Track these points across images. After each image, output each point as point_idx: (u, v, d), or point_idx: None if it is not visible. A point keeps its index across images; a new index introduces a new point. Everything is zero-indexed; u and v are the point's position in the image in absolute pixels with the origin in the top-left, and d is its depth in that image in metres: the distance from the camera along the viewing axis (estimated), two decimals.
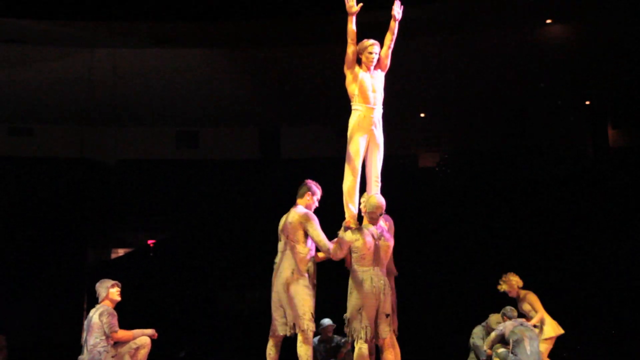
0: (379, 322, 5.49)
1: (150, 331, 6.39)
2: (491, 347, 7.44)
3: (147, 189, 15.35)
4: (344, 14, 5.68)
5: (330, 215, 5.80)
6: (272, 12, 12.09)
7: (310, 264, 5.66)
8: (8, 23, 11.94)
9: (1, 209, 14.04)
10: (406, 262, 6.62)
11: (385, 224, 5.75)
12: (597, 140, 16.25)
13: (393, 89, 6.23)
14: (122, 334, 6.25)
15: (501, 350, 7.31)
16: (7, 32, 12.33)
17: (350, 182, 5.70)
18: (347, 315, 5.56)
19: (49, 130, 15.76)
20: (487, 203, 14.03)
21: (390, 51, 5.80)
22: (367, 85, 5.72)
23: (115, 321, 6.24)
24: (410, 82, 13.31)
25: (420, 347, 9.40)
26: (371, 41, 5.76)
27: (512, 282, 7.71)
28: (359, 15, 5.65)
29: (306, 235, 5.66)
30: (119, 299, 6.42)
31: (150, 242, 15.46)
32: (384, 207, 5.65)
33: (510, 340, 7.19)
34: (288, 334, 5.61)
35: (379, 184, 5.81)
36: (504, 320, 7.46)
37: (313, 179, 5.95)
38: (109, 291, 6.37)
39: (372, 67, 5.78)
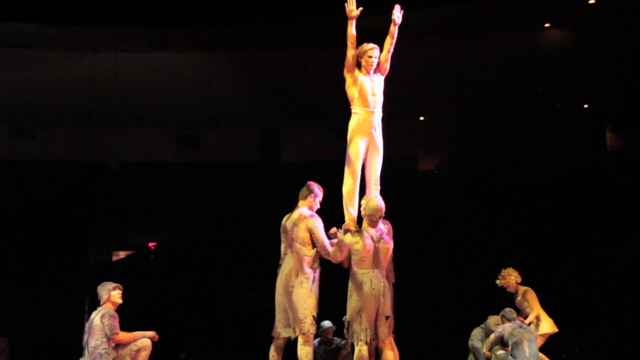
0: (379, 324, 5.52)
1: (151, 333, 6.42)
2: (490, 349, 7.44)
3: (148, 191, 15.32)
4: (344, 18, 5.71)
5: (330, 217, 5.83)
6: (272, 15, 12.15)
7: (315, 265, 5.69)
8: (10, 27, 12.01)
9: (2, 210, 14.02)
10: (405, 264, 6.64)
11: (384, 226, 5.79)
12: (596, 143, 16.28)
13: (392, 92, 6.26)
14: (123, 336, 6.28)
15: (500, 352, 7.31)
16: (9, 35, 12.40)
17: (350, 185, 5.74)
18: (347, 317, 5.58)
19: (50, 132, 15.78)
20: (486, 206, 14.03)
21: (389, 55, 5.83)
22: (367, 89, 5.75)
23: (116, 323, 6.27)
24: (410, 86, 13.34)
25: (420, 349, 9.40)
26: (371, 45, 5.79)
27: (510, 277, 7.72)
28: (359, 19, 5.70)
29: (312, 237, 5.67)
30: (120, 301, 6.45)
31: (150, 244, 15.45)
32: (384, 210, 5.68)
33: (509, 342, 7.18)
34: (292, 336, 5.63)
35: (379, 187, 5.84)
36: (503, 322, 7.44)
37: (313, 181, 5.96)
38: (111, 294, 6.40)
39: (371, 71, 5.80)
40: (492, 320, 7.80)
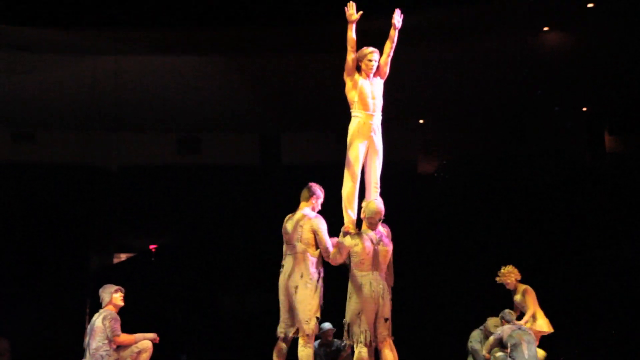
0: (378, 326, 5.57)
1: (152, 335, 6.49)
2: (489, 351, 7.48)
3: (149, 194, 15.35)
4: (344, 22, 5.76)
5: (330, 220, 5.87)
6: (272, 18, 12.18)
7: (320, 268, 5.74)
8: (11, 30, 12.01)
9: (4, 213, 14.06)
10: (405, 266, 6.68)
11: (384, 229, 5.83)
12: (594, 146, 16.26)
13: (392, 95, 6.29)
14: (124, 338, 6.34)
15: (499, 354, 7.37)
16: (10, 38, 12.40)
17: (349, 187, 5.79)
18: (347, 319, 5.62)
19: (51, 135, 15.77)
20: (486, 208, 14.07)
21: (389, 59, 5.89)
22: (367, 92, 5.80)
23: (117, 325, 6.33)
24: (409, 89, 13.36)
25: (419, 351, 9.42)
26: (370, 49, 5.84)
27: (510, 275, 7.73)
28: (359, 23, 5.74)
29: (315, 238, 5.72)
30: (122, 304, 6.51)
31: (151, 246, 15.48)
32: (383, 213, 5.72)
33: (508, 344, 7.24)
34: (294, 335, 5.68)
35: (378, 190, 5.88)
36: (502, 324, 7.50)
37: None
38: (113, 296, 6.46)
39: (371, 75, 5.85)
40: (491, 322, 7.85)
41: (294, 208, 5.90)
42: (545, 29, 13.10)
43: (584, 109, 16.01)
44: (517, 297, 7.78)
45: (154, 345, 6.48)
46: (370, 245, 5.60)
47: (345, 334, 5.67)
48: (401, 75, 6.95)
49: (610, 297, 11.46)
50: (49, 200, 14.66)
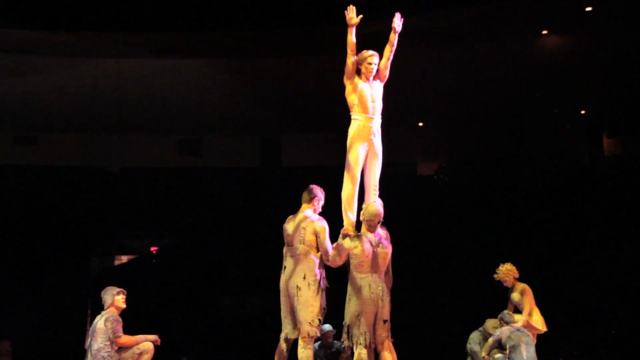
0: (377, 328, 5.61)
1: (153, 337, 6.51)
2: (489, 353, 7.48)
3: (150, 197, 15.41)
4: (344, 26, 5.79)
5: (330, 222, 5.90)
6: (273, 21, 12.22)
7: (321, 268, 5.76)
8: (13, 33, 12.04)
9: (6, 215, 14.11)
10: (405, 268, 6.72)
11: (383, 232, 5.86)
12: (593, 149, 16.30)
13: (391, 98, 6.31)
14: (126, 339, 6.36)
15: (498, 355, 7.36)
16: (13, 42, 12.44)
17: (349, 190, 5.82)
18: (346, 321, 5.66)
19: (53, 138, 15.83)
20: (485, 210, 14.12)
21: (389, 63, 5.93)
22: (367, 96, 5.83)
23: (119, 327, 6.35)
24: (409, 92, 13.39)
25: (418, 352, 9.45)
26: (370, 52, 5.88)
27: (509, 273, 7.73)
28: (359, 27, 5.78)
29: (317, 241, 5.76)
30: (124, 306, 6.54)
31: (153, 248, 15.51)
32: (382, 215, 5.76)
33: (507, 346, 7.21)
34: (296, 336, 5.70)
35: (378, 193, 5.91)
36: (502, 325, 7.49)
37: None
38: (115, 298, 6.49)
39: (371, 78, 5.89)
40: (490, 323, 7.82)
41: (294, 210, 5.93)
42: (545, 32, 13.12)
43: (583, 111, 16.05)
44: (515, 295, 7.79)
45: (155, 346, 6.50)
46: (370, 247, 5.62)
47: (344, 335, 5.70)
48: (401, 78, 6.98)
49: (609, 298, 11.50)
50: (51, 202, 14.71)
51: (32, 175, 15.02)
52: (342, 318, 5.69)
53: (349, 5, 5.79)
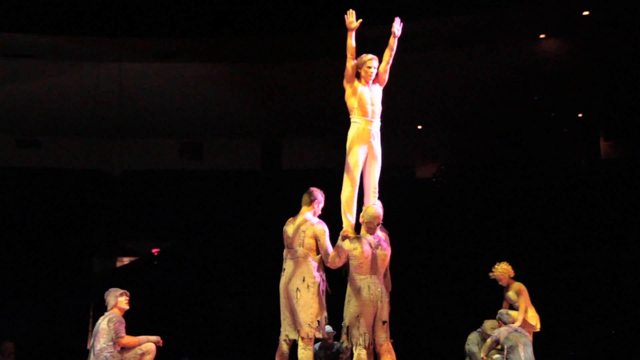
0: (376, 329, 5.60)
1: (155, 338, 6.51)
2: (487, 354, 7.46)
3: (152, 199, 15.48)
4: (344, 30, 5.82)
5: (329, 224, 5.91)
6: (273, 27, 12.30)
7: (321, 271, 5.78)
8: (17, 38, 12.14)
9: (9, 218, 14.17)
10: (403, 270, 6.76)
11: (382, 234, 5.88)
12: (590, 152, 16.41)
13: (391, 101, 6.36)
14: (128, 339, 6.36)
15: (496, 356, 7.32)
16: (16, 46, 12.54)
17: (348, 192, 5.81)
18: (346, 322, 5.66)
19: (55, 141, 15.92)
20: (483, 212, 14.17)
21: (388, 67, 5.93)
22: (366, 99, 5.84)
23: (122, 327, 6.36)
24: (408, 96, 13.46)
25: (417, 353, 9.48)
26: (370, 56, 5.88)
27: (504, 272, 7.73)
28: (359, 31, 5.79)
29: (317, 244, 5.77)
30: (127, 307, 6.55)
31: (154, 250, 15.57)
32: (381, 217, 5.77)
33: (505, 346, 7.17)
34: (296, 338, 5.72)
35: (377, 195, 5.92)
36: (500, 325, 7.45)
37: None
38: (118, 300, 6.51)
39: (370, 81, 5.89)
40: (488, 324, 7.75)
41: (294, 212, 5.96)
42: (542, 36, 13.21)
43: (580, 115, 16.13)
44: (510, 294, 7.80)
45: (157, 347, 6.51)
46: (369, 249, 5.65)
47: (343, 336, 5.72)
48: (400, 82, 7.04)
49: (607, 299, 11.54)
50: (53, 205, 14.78)
51: (35, 178, 15.10)
52: (341, 319, 5.71)
53: (348, 9, 5.80)
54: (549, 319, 7.98)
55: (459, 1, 11.68)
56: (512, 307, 7.81)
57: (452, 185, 16.06)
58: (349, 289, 5.69)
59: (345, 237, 5.74)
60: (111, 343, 6.29)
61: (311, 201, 5.92)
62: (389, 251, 5.81)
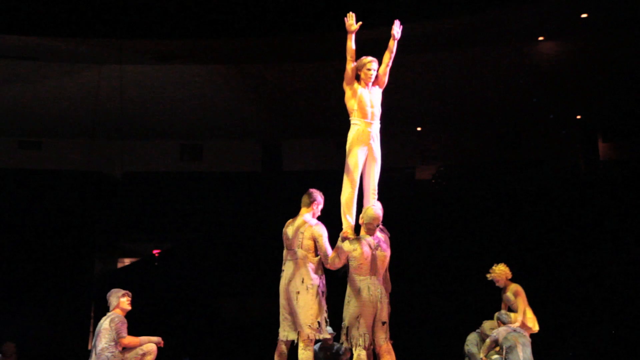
0: (376, 330, 5.62)
1: (156, 339, 6.54)
2: (487, 354, 7.43)
3: (152, 201, 15.52)
4: (344, 33, 5.85)
5: (329, 225, 5.94)
6: (274, 30, 12.34)
7: (320, 272, 5.80)
8: (19, 40, 12.19)
9: (11, 219, 14.22)
10: (403, 271, 6.78)
11: (382, 235, 5.91)
12: (588, 153, 16.44)
13: (390, 103, 6.42)
14: (130, 339, 6.40)
15: (495, 357, 7.35)
16: (18, 49, 12.58)
17: (348, 193, 5.84)
18: (345, 323, 5.68)
19: (57, 143, 15.97)
20: (482, 214, 14.19)
21: (388, 69, 5.97)
22: (366, 101, 5.87)
23: (124, 327, 6.40)
24: (407, 97, 13.51)
25: (416, 354, 9.51)
26: (370, 58, 5.91)
27: (502, 273, 7.74)
28: (358, 33, 5.83)
29: (315, 245, 5.79)
30: (129, 307, 6.59)
31: (155, 251, 15.60)
32: (381, 219, 5.81)
33: (504, 347, 7.20)
34: (296, 339, 5.74)
35: (376, 196, 5.96)
36: (499, 325, 7.47)
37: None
38: (120, 300, 6.55)
39: (370, 83, 5.92)
40: (487, 324, 7.77)
41: (294, 213, 5.99)
42: (541, 38, 13.25)
43: (578, 116, 16.17)
44: (508, 295, 7.80)
45: (158, 348, 6.54)
46: (369, 250, 5.68)
47: (343, 337, 5.74)
48: (400, 84, 7.08)
49: (606, 300, 11.56)
50: (55, 206, 14.83)
51: (37, 180, 15.14)
52: (341, 320, 5.73)
53: (348, 12, 5.84)
54: (547, 319, 8.00)
55: (458, 3, 11.72)
56: (510, 309, 7.84)
57: (451, 187, 16.09)
58: (348, 290, 5.71)
59: (345, 238, 5.77)
60: (113, 343, 6.33)
61: (310, 202, 5.94)
62: (388, 252, 5.83)
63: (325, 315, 5.83)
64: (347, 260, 5.73)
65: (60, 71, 13.52)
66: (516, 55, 13.53)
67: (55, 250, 14.01)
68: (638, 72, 13.66)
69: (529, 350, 7.26)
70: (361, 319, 5.59)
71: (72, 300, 13.28)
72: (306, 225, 5.81)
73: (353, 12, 5.86)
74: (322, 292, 5.80)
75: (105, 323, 6.43)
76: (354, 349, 5.65)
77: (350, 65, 5.86)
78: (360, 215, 5.91)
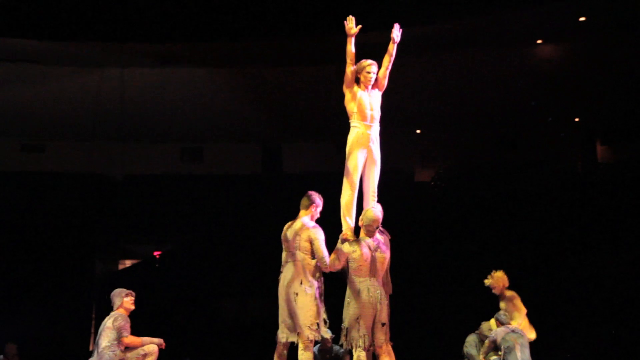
0: (375, 331, 5.64)
1: (158, 340, 6.56)
2: (486, 355, 7.42)
3: (153, 203, 15.55)
4: (344, 36, 5.88)
5: (329, 227, 5.97)
6: (274, 33, 12.39)
7: (318, 274, 5.81)
8: (21, 44, 12.25)
9: (13, 221, 14.26)
10: (402, 273, 6.81)
11: (382, 237, 5.93)
12: (587, 156, 16.50)
13: (390, 106, 6.42)
14: (132, 339, 6.43)
15: (493, 358, 7.37)
16: (20, 52, 12.64)
17: (348, 196, 5.87)
18: (345, 324, 5.71)
19: (59, 145, 16.01)
20: (481, 216, 14.23)
21: (388, 72, 5.99)
22: (365, 104, 5.89)
23: (127, 326, 6.43)
24: (407, 100, 13.53)
25: (416, 355, 9.53)
26: (369, 61, 5.93)
27: (499, 280, 7.67)
28: (358, 37, 5.86)
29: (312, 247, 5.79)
30: (132, 307, 6.63)
31: (156, 253, 15.64)
32: (380, 221, 5.83)
33: (502, 347, 7.18)
34: (295, 341, 5.74)
35: (376, 198, 5.98)
36: (497, 326, 7.42)
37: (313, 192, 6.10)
38: (123, 300, 6.59)
39: (369, 86, 5.95)
40: (486, 326, 7.70)
41: (294, 215, 5.99)
42: (539, 41, 13.31)
43: (577, 119, 16.21)
44: (504, 303, 7.79)
45: (160, 350, 6.55)
46: (368, 251, 5.70)
47: (343, 338, 5.76)
48: (399, 87, 7.11)
49: (604, 302, 11.59)
50: (57, 208, 14.85)
51: (39, 182, 15.18)
52: (340, 323, 5.75)
53: (348, 15, 5.87)
54: (545, 321, 8.02)
55: (457, 6, 11.77)
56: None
57: (450, 189, 16.12)
58: (348, 291, 5.74)
59: (344, 240, 5.80)
60: (115, 342, 6.36)
61: (309, 205, 5.94)
62: (388, 254, 5.85)
63: (324, 316, 5.84)
64: (347, 262, 5.74)
65: (62, 74, 13.58)
66: (515, 58, 13.58)
67: (56, 251, 14.04)
68: (636, 75, 13.71)
69: (527, 351, 7.24)
70: (361, 320, 5.61)
71: (73, 302, 13.30)
72: (304, 227, 5.82)
73: (353, 15, 5.88)
74: (321, 294, 5.81)
75: (109, 322, 6.47)
76: (353, 351, 5.67)
77: (350, 69, 5.89)
78: (360, 217, 5.93)
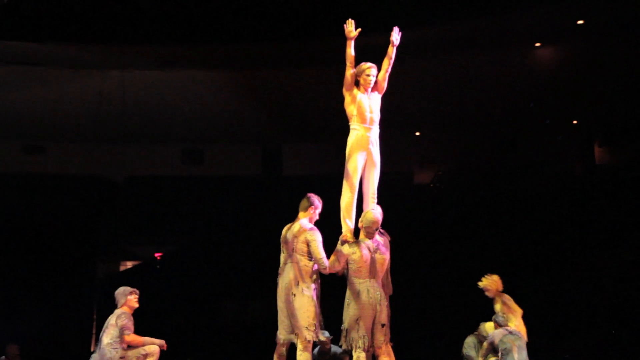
0: (375, 332, 5.67)
1: (160, 341, 6.62)
2: (485, 357, 7.45)
3: (154, 204, 15.59)
4: (344, 38, 5.91)
5: (329, 228, 6.01)
6: (274, 35, 12.44)
7: (315, 276, 5.83)
8: (22, 46, 12.28)
9: (15, 223, 14.30)
10: (401, 275, 6.85)
11: (381, 238, 5.98)
12: (584, 158, 16.51)
13: (389, 108, 6.43)
14: (134, 337, 6.49)
15: (492, 359, 7.48)
16: (21, 54, 12.68)
17: (348, 198, 5.90)
18: (345, 325, 5.74)
19: (60, 148, 16.04)
20: (480, 218, 14.26)
21: (387, 75, 6.03)
22: (365, 106, 5.93)
23: (130, 324, 6.50)
24: (406, 102, 13.55)
25: (415, 356, 9.56)
26: (369, 64, 5.97)
27: (493, 284, 7.64)
28: (358, 40, 5.89)
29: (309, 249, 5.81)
30: (136, 305, 6.70)
31: (157, 254, 15.69)
32: (380, 222, 5.88)
33: (500, 349, 7.18)
34: (295, 341, 5.78)
35: (376, 200, 6.02)
36: (495, 327, 7.42)
37: (313, 194, 6.12)
38: (127, 298, 6.67)
39: (369, 89, 5.99)
40: (485, 327, 7.74)
41: (294, 217, 6.01)
42: (538, 44, 13.35)
43: (575, 121, 16.24)
44: (498, 306, 7.79)
45: (161, 351, 6.60)
46: (368, 253, 5.74)
47: (342, 339, 5.79)
48: (398, 89, 7.14)
49: (603, 303, 11.62)
50: (58, 210, 14.89)
51: (40, 184, 15.21)
52: (340, 324, 5.79)
53: (348, 18, 5.90)
54: (544, 322, 8.04)
55: (456, 9, 11.81)
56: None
57: (449, 191, 16.15)
58: (348, 293, 5.77)
59: (344, 242, 5.84)
60: (118, 340, 6.42)
61: (308, 207, 5.97)
62: (387, 255, 5.89)
63: (321, 318, 5.88)
64: (347, 263, 5.78)
65: (64, 76, 13.60)
66: (513, 61, 13.61)
67: (57, 253, 14.08)
68: (634, 78, 13.75)
69: (524, 352, 7.24)
70: (360, 321, 5.64)
71: (74, 303, 13.35)
72: (301, 229, 5.85)
73: (352, 17, 5.92)
74: (318, 296, 5.83)
75: (112, 319, 6.55)
76: (353, 352, 5.71)
77: (349, 72, 5.92)
78: (360, 219, 5.97)
